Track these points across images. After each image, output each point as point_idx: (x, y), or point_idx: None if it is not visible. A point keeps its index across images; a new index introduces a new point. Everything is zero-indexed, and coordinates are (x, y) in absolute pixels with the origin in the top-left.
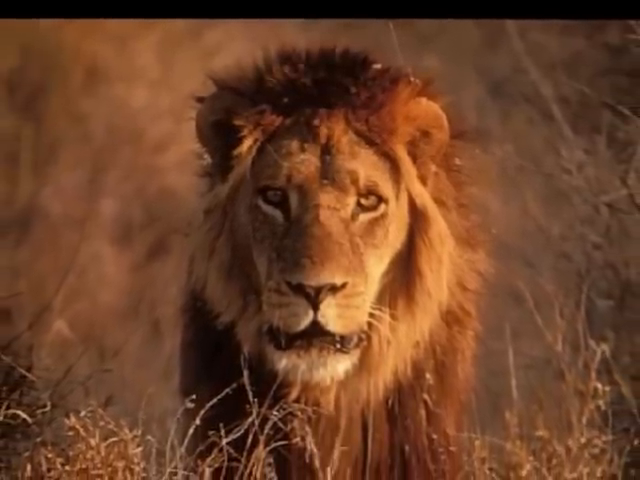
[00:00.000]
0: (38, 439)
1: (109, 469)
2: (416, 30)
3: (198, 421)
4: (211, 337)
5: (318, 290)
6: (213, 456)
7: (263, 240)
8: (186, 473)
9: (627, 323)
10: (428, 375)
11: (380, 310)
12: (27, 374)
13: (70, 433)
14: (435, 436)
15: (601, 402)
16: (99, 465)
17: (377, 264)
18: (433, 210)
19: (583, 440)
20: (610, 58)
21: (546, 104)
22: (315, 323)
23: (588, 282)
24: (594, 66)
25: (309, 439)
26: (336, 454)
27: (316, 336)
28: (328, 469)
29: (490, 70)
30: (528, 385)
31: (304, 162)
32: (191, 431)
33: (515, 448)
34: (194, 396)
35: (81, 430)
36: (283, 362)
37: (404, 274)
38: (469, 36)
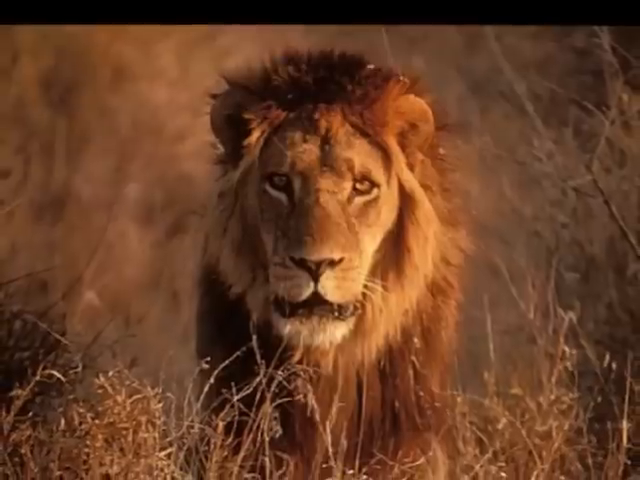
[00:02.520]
0: (71, 396)
1: (134, 423)
2: (405, 35)
3: (212, 380)
4: (224, 306)
5: (318, 264)
6: (226, 411)
7: (270, 220)
8: (202, 426)
9: (591, 294)
10: (415, 339)
11: (373, 282)
12: (61, 339)
13: (99, 391)
14: (422, 393)
15: (568, 364)
16: (125, 419)
17: (370, 241)
18: (420, 194)
19: (552, 397)
20: (577, 59)
21: (520, 100)
22: (316, 293)
23: (557, 257)
24: (563, 67)
25: (310, 396)
26: (334, 409)
27: (316, 305)
28: (327, 422)
29: (470, 70)
30: (504, 349)
31: (306, 151)
32: (206, 389)
33: (492, 404)
34: (209, 358)
35: (109, 388)
36: (287, 328)
37: (394, 250)
38: (452, 40)
